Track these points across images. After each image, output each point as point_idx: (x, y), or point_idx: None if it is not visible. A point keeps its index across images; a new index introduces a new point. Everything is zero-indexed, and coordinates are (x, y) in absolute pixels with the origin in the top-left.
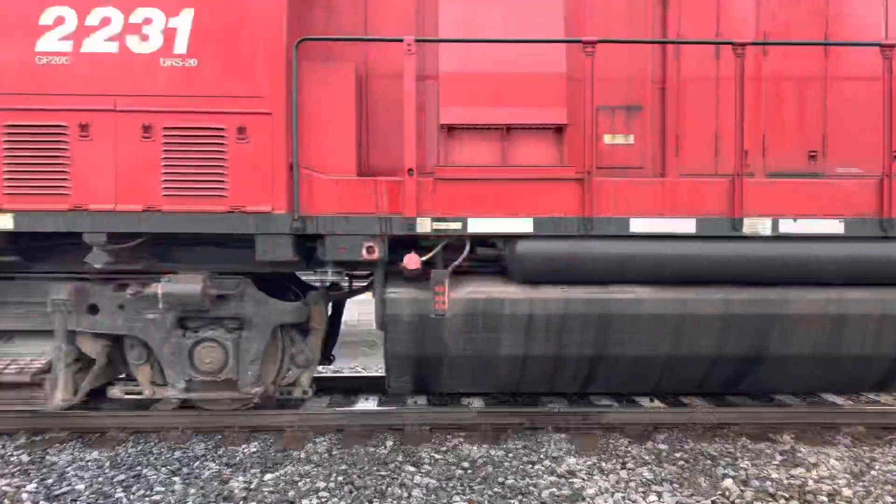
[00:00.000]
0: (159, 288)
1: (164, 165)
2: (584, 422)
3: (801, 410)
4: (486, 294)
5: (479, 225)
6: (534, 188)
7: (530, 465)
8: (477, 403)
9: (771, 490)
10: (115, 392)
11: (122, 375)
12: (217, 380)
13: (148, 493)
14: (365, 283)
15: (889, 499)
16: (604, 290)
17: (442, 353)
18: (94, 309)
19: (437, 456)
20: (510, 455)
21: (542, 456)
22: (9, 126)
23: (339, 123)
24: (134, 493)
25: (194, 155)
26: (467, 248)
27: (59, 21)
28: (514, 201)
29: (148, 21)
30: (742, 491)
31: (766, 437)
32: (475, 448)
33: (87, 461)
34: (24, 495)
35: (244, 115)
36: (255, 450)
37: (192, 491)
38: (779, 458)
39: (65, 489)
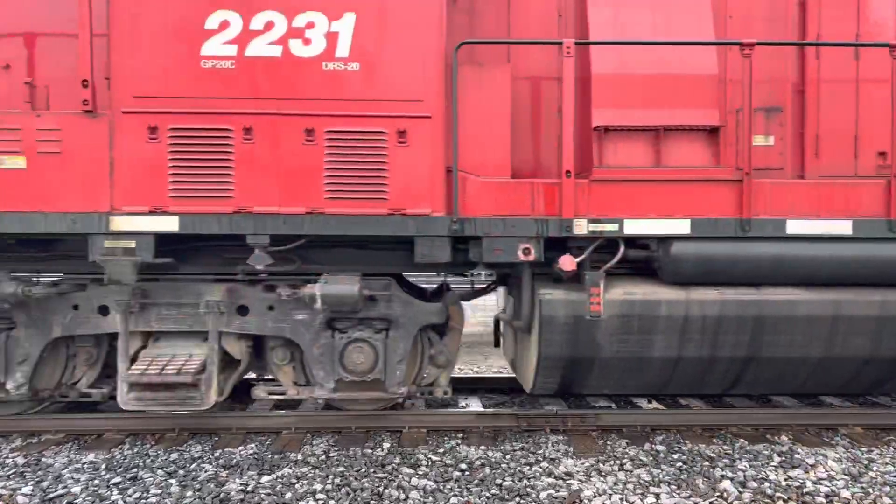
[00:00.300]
0: (317, 289)
1: (327, 168)
2: (582, 423)
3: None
4: (642, 295)
5: (635, 226)
6: (689, 189)
7: (528, 467)
8: (475, 405)
9: (769, 491)
10: (260, 393)
11: (253, 375)
12: (366, 380)
13: (144, 494)
14: (484, 286)
15: (887, 500)
16: (758, 291)
17: (594, 355)
18: (243, 310)
19: (434, 458)
20: (507, 457)
21: (539, 458)
22: (174, 129)
23: (495, 126)
24: (130, 496)
25: (356, 158)
26: (622, 249)
27: (224, 25)
28: (670, 203)
29: (311, 25)
30: (740, 492)
31: (763, 439)
32: (472, 450)
33: (83, 463)
34: (20, 498)
35: (404, 119)
36: (252, 451)
37: (189, 493)
38: (777, 459)
39: (60, 491)
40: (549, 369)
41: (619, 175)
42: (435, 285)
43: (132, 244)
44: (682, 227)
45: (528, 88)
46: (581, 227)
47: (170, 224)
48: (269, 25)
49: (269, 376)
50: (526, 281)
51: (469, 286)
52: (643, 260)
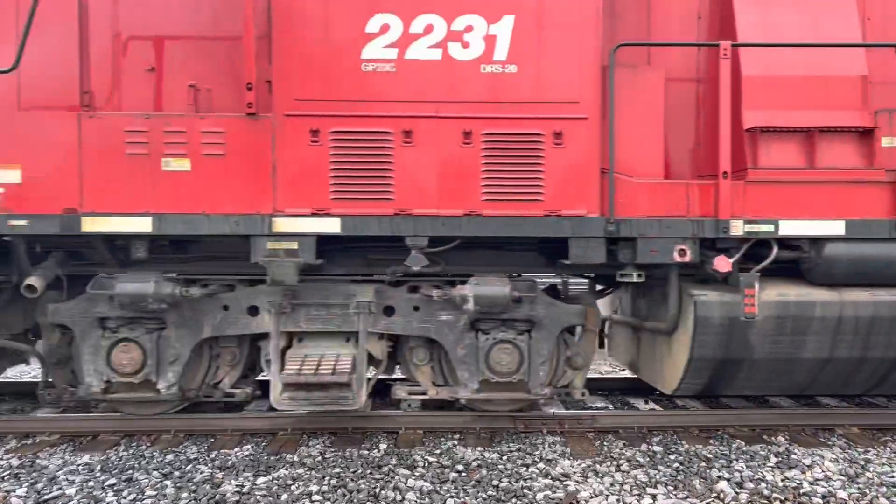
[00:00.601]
0: (469, 290)
1: (484, 170)
2: (578, 425)
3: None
4: (796, 297)
5: (790, 227)
6: (843, 191)
7: (524, 468)
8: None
9: (766, 492)
10: (400, 393)
11: (383, 375)
12: (512, 381)
13: (139, 496)
14: (603, 287)
15: (884, 501)
16: None
17: (745, 356)
18: (388, 311)
19: (430, 459)
20: (504, 458)
21: (536, 459)
22: (336, 132)
23: (648, 127)
24: (125, 497)
25: (512, 160)
26: (775, 250)
27: (385, 28)
28: (823, 204)
29: (469, 28)
30: (737, 493)
31: (760, 439)
32: (469, 451)
33: (78, 465)
34: (15, 500)
35: (561, 121)
36: (247, 453)
37: (184, 495)
38: (773, 459)
39: (55, 493)
40: (699, 371)
41: (775, 176)
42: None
43: (294, 245)
44: (836, 228)
45: (668, 89)
46: (737, 228)
47: (331, 226)
48: (428, 29)
49: (401, 376)
50: (673, 282)
51: (586, 288)
52: (790, 261)
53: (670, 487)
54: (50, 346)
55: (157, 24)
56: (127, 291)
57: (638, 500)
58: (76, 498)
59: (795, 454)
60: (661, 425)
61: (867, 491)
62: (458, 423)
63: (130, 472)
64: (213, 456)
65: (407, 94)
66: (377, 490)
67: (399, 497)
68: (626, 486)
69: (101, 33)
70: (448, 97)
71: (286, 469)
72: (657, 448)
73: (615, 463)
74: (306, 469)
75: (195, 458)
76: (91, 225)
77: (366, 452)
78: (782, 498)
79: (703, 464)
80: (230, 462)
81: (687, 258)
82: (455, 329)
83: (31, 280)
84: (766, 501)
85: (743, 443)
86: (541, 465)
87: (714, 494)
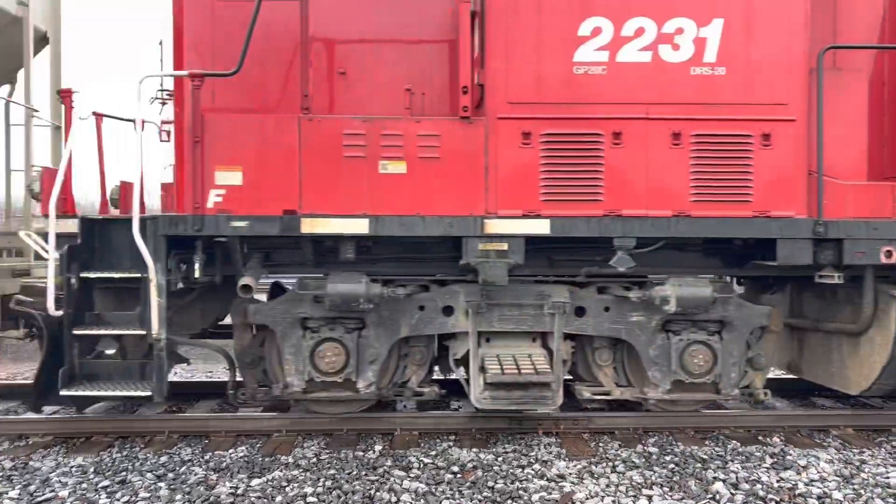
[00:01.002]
0: (671, 291)
1: (693, 171)
2: (574, 426)
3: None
4: None
5: None
6: None
7: (520, 469)
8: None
9: (761, 493)
10: (585, 392)
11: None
12: (705, 381)
13: (133, 498)
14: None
15: (879, 501)
16: None
17: None
18: (579, 311)
19: (426, 460)
20: (500, 459)
21: (532, 460)
22: (546, 135)
23: (852, 129)
24: (118, 499)
25: (721, 161)
26: None
27: (597, 32)
28: None
29: (679, 31)
30: (732, 494)
31: (755, 440)
32: (464, 452)
33: (71, 467)
34: (7, 502)
35: (769, 122)
36: (242, 454)
37: (178, 497)
38: (769, 460)
39: (48, 495)
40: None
41: None
42: None
43: (504, 247)
44: None
45: None
46: None
47: (541, 227)
48: (639, 32)
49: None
50: (869, 283)
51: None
52: None
53: (666, 488)
54: (242, 346)
55: (368, 29)
56: (339, 291)
57: (634, 502)
58: (70, 500)
59: (791, 455)
60: (656, 426)
61: (862, 492)
62: (453, 424)
63: (124, 473)
64: (207, 457)
65: (617, 96)
66: (372, 492)
67: (394, 499)
68: (622, 488)
69: (319, 38)
70: (658, 99)
71: (281, 471)
72: (653, 449)
73: (611, 464)
74: (301, 471)
75: (189, 459)
76: (310, 226)
77: (361, 454)
78: (778, 499)
79: (699, 465)
80: (224, 464)
81: (893, 259)
82: (646, 330)
83: (247, 280)
84: (761, 502)
85: (738, 444)
86: (536, 467)
87: (710, 495)
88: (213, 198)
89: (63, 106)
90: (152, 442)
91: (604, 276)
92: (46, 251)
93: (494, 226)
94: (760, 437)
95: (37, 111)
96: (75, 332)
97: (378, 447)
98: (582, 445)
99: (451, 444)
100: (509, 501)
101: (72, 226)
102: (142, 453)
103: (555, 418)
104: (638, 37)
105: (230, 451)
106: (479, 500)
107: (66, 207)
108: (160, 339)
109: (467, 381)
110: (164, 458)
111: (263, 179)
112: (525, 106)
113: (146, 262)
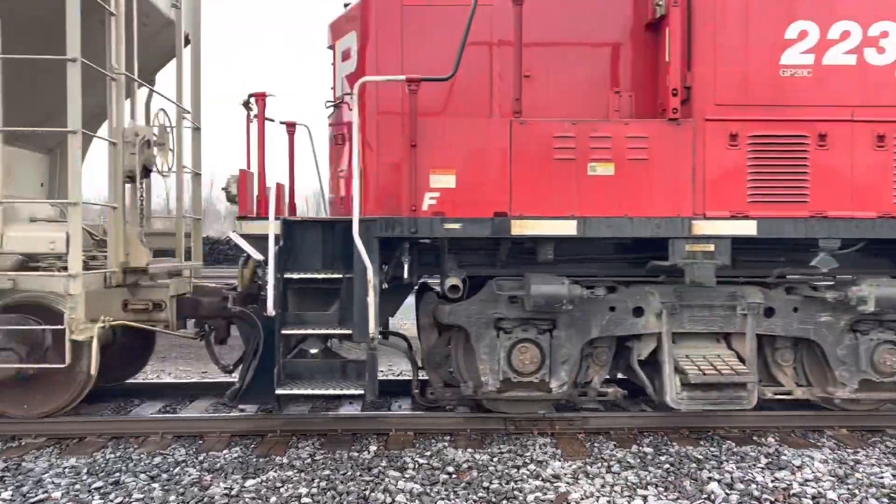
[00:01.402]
0: (868, 291)
1: None
2: (569, 426)
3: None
4: None
5: None
6: None
7: (515, 470)
8: (463, 407)
9: (756, 493)
10: (767, 392)
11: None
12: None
13: (126, 499)
14: None
15: (874, 501)
16: None
17: None
18: (769, 312)
19: (421, 460)
20: (495, 459)
21: (527, 460)
22: (754, 136)
23: None
24: (112, 501)
25: None
26: None
27: (803, 35)
28: None
29: (885, 34)
30: (727, 494)
31: (750, 440)
32: (460, 452)
33: (65, 468)
34: None
35: None
36: (236, 455)
37: (172, 498)
38: (763, 460)
39: (41, 496)
40: None
41: None
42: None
43: (710, 248)
44: None
45: None
46: None
47: (748, 228)
48: (844, 35)
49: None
50: None
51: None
52: None
53: (661, 489)
54: (429, 346)
55: (571, 32)
56: (543, 293)
57: (629, 502)
58: (63, 501)
59: (785, 455)
60: (651, 427)
61: (856, 492)
62: (448, 424)
63: (118, 474)
64: (201, 458)
65: (823, 98)
66: (367, 492)
67: (389, 499)
68: (617, 488)
69: (528, 42)
70: (862, 101)
71: (275, 471)
72: (648, 449)
73: (606, 464)
74: (296, 471)
75: (183, 460)
76: (520, 228)
77: (356, 454)
78: (772, 499)
79: (694, 465)
80: (218, 464)
81: None
82: (834, 330)
83: (454, 281)
84: (756, 502)
85: (733, 444)
86: (532, 467)
87: (704, 495)
88: (427, 200)
89: (254, 109)
90: (146, 442)
91: (798, 276)
92: (248, 253)
93: (702, 227)
94: (755, 438)
95: (188, 112)
96: (283, 331)
97: (373, 447)
98: (577, 446)
99: (446, 444)
100: (504, 502)
101: (256, 227)
102: (135, 454)
103: (550, 419)
104: (843, 40)
105: (224, 451)
106: (475, 501)
107: (261, 210)
108: (375, 338)
109: (652, 382)
110: (157, 459)
111: (475, 182)
112: (732, 108)
113: (365, 263)
